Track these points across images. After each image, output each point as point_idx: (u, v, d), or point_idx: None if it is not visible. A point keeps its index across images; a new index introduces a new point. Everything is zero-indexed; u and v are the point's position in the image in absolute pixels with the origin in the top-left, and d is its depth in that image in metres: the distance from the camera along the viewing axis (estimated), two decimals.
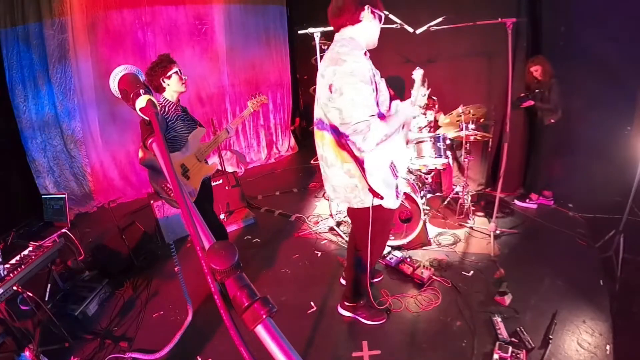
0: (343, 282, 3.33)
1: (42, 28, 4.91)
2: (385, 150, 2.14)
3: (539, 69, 4.21)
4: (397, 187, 2.27)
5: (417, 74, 2.47)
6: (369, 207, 2.23)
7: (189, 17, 6.24)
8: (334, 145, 2.17)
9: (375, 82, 2.04)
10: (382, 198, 2.15)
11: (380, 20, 2.13)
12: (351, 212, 2.46)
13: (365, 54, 2.10)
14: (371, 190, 2.13)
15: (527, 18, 4.46)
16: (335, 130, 2.13)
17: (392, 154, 2.23)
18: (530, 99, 4.26)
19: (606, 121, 4.06)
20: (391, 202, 2.24)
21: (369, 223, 2.28)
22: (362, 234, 2.42)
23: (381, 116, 2.10)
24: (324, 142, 2.24)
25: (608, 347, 2.52)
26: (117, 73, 1.01)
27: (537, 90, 4.23)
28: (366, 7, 2.01)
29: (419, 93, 2.41)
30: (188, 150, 2.86)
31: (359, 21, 2.05)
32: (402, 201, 3.59)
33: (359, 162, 2.11)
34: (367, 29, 2.09)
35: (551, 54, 4.36)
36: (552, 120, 4.29)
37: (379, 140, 1.97)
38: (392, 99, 2.37)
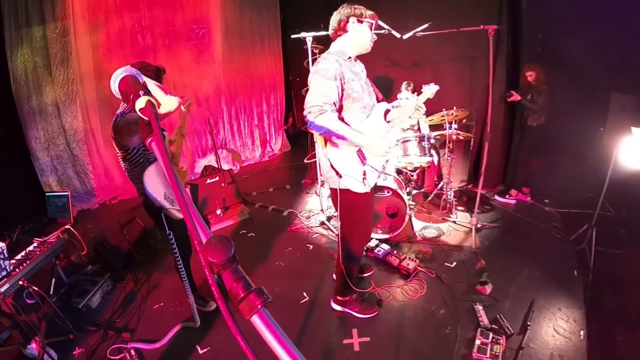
0: (335, 277, 3.30)
1: (45, 31, 4.84)
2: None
3: (533, 75, 4.27)
4: (364, 173, 2.32)
5: (432, 89, 2.58)
6: (344, 189, 2.37)
7: (187, 21, 6.19)
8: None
9: (344, 80, 2.18)
10: (340, 176, 2.31)
11: (370, 28, 2.29)
12: (331, 194, 2.56)
13: (349, 59, 2.29)
14: (332, 167, 2.31)
15: (508, 25, 4.49)
16: None
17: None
18: (520, 94, 4.30)
19: (580, 123, 4.12)
20: (355, 185, 2.33)
21: (345, 205, 2.44)
22: (341, 217, 2.55)
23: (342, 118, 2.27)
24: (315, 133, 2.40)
25: (582, 332, 2.56)
26: (118, 75, 1.00)
27: (529, 96, 4.27)
28: (351, 18, 2.24)
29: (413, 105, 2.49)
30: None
31: (346, 31, 2.28)
32: (379, 194, 3.65)
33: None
34: (354, 37, 2.28)
35: (530, 59, 4.41)
36: (535, 124, 4.34)
37: (327, 129, 2.12)
38: (379, 102, 2.46)
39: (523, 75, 4.37)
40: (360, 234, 2.66)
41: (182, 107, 3.04)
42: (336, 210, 2.51)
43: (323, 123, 2.12)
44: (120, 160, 2.49)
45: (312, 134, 4.91)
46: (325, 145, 2.32)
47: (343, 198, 2.40)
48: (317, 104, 2.12)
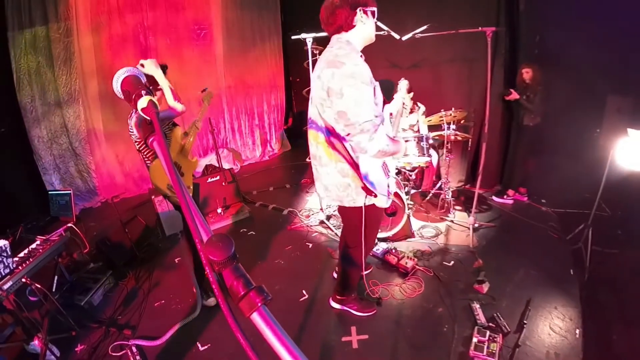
0: (336, 276, 3.27)
1: (48, 32, 4.84)
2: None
3: (530, 72, 4.24)
4: (388, 186, 2.22)
5: (403, 84, 2.50)
6: (360, 206, 2.17)
7: (189, 22, 6.19)
8: (328, 145, 2.10)
9: (373, 84, 1.97)
10: (375, 196, 2.08)
11: (374, 16, 2.01)
12: (342, 210, 2.37)
13: (361, 56, 2.02)
14: (364, 188, 2.07)
15: (505, 27, 4.49)
16: (329, 131, 2.05)
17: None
18: (518, 93, 4.29)
19: (577, 124, 4.12)
20: (383, 200, 2.17)
21: (362, 221, 2.22)
22: (354, 232, 2.37)
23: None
24: (318, 141, 2.14)
25: (577, 331, 2.56)
26: (120, 75, 1.00)
27: (525, 95, 4.26)
28: (358, 10, 1.92)
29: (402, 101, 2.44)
30: (173, 149, 2.80)
31: (353, 26, 1.96)
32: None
33: (353, 162, 2.05)
34: (361, 31, 1.99)
35: (527, 61, 4.40)
36: (531, 124, 4.33)
37: (382, 147, 1.87)
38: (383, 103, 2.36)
39: (520, 73, 4.36)
40: (371, 245, 2.66)
41: (203, 101, 3.18)
42: (356, 227, 2.30)
43: (379, 142, 1.82)
44: (137, 150, 2.63)
45: None
46: (350, 161, 2.05)
47: (365, 215, 2.20)
48: (368, 119, 1.80)
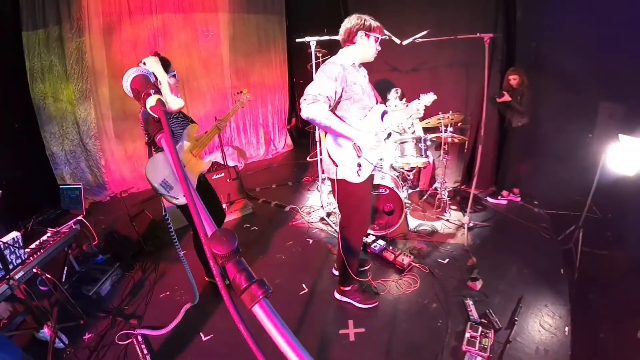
0: (335, 272, 3.29)
1: (61, 31, 4.84)
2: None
3: (517, 78, 4.23)
4: (359, 165, 2.40)
5: (429, 98, 2.64)
6: (341, 180, 2.45)
7: (197, 24, 6.18)
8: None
9: (345, 83, 2.27)
10: (336, 165, 2.41)
11: (376, 41, 2.36)
12: (331, 185, 2.63)
13: (353, 65, 2.37)
14: (329, 156, 2.41)
15: (503, 34, 4.48)
16: None
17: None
18: (510, 96, 4.27)
19: (570, 128, 4.11)
20: (350, 175, 2.41)
21: (343, 195, 2.53)
22: (343, 208, 2.64)
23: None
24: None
25: (567, 328, 2.57)
26: (130, 74, 1.00)
27: (515, 97, 4.25)
28: (359, 32, 2.31)
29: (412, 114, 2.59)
30: (183, 146, 2.74)
31: (354, 43, 2.36)
32: (377, 192, 3.73)
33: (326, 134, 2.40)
34: (360, 48, 2.37)
35: (523, 67, 4.39)
36: (519, 124, 4.32)
37: (316, 117, 2.18)
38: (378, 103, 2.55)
39: (506, 79, 4.34)
40: (357, 225, 2.69)
41: (237, 102, 3.24)
42: (342, 201, 2.59)
43: (313, 109, 2.18)
44: (146, 143, 2.60)
45: (313, 134, 4.92)
46: (325, 137, 2.41)
47: (341, 189, 2.49)
48: (312, 93, 2.21)
